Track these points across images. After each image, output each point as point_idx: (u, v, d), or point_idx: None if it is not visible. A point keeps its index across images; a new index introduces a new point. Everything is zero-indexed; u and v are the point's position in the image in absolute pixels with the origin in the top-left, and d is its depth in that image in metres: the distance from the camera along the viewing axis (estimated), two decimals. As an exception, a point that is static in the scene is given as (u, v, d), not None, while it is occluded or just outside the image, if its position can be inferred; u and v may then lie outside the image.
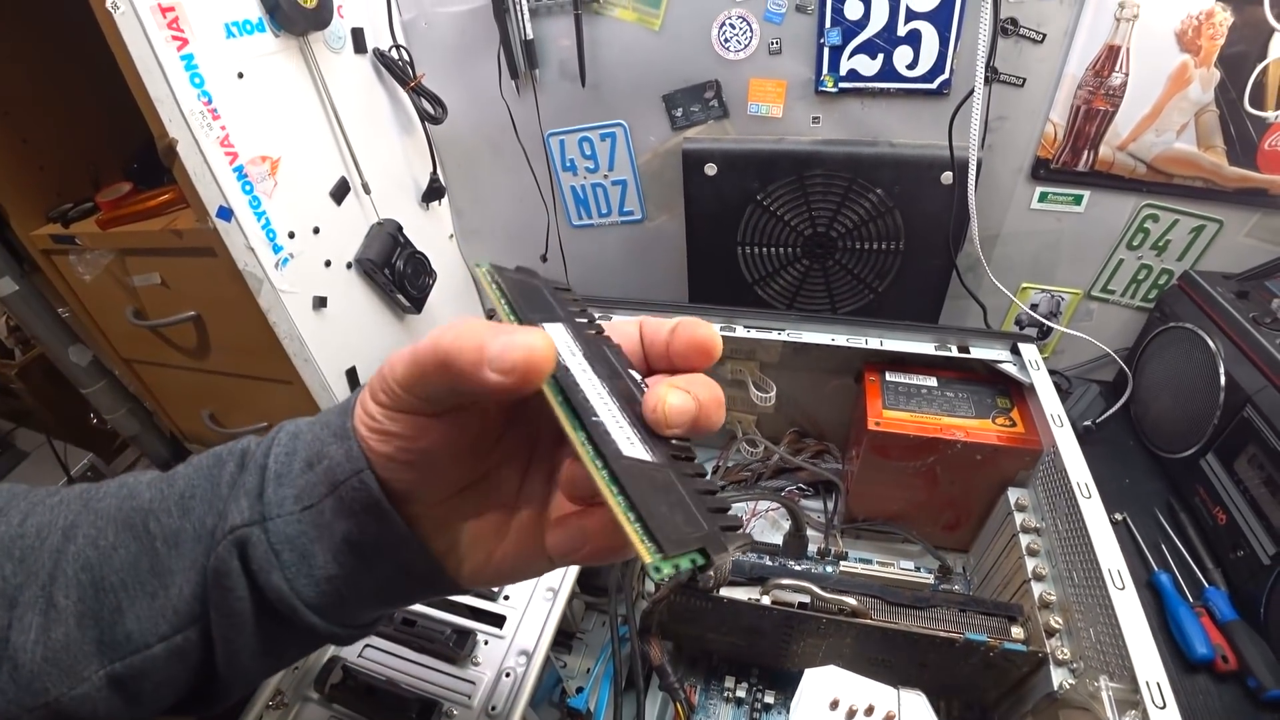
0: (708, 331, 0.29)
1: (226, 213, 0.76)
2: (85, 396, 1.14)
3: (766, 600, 0.61)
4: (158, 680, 0.29)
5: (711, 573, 0.59)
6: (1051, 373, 1.04)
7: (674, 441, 0.27)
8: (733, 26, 0.91)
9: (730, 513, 0.26)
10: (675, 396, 0.26)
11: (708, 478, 0.27)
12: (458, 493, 0.30)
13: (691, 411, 0.26)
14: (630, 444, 0.25)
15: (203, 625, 0.29)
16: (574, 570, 0.61)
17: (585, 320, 0.31)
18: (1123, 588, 0.52)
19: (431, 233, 1.13)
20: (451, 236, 1.20)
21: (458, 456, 0.29)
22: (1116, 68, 0.84)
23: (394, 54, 0.96)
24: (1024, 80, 0.88)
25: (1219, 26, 0.79)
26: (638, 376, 0.29)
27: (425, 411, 0.27)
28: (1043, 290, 1.05)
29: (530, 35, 0.95)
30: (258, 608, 0.28)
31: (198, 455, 0.31)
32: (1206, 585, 0.76)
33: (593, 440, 0.24)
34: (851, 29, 0.88)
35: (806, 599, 0.61)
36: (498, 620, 0.58)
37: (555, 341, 0.25)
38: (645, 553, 0.22)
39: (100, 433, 1.26)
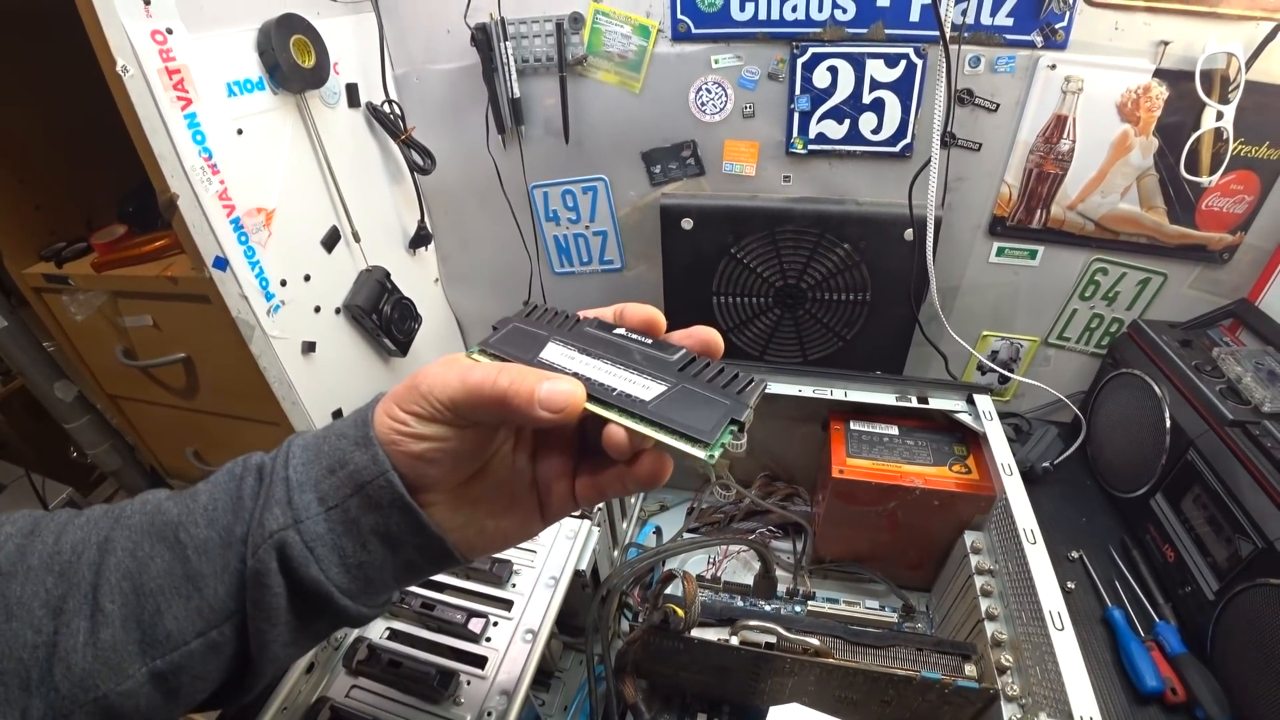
0: (651, 310, 0.37)
1: (222, 263, 0.79)
2: (67, 431, 1.15)
3: (735, 641, 0.64)
4: (194, 674, 0.32)
5: (684, 614, 0.63)
6: (1012, 415, 1.10)
7: (678, 357, 0.35)
8: (709, 91, 0.97)
9: (740, 376, 0.34)
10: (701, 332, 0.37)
11: (710, 369, 0.34)
12: (466, 480, 0.36)
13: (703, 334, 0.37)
14: (646, 389, 0.33)
15: (236, 621, 0.33)
16: (553, 612, 0.63)
17: (560, 318, 0.38)
18: (1062, 629, 0.56)
19: (418, 277, 1.17)
20: (437, 281, 1.24)
21: (470, 452, 0.35)
22: (1064, 135, 0.91)
23: (386, 108, 1.00)
24: (980, 145, 0.94)
25: (1155, 100, 0.86)
26: (621, 330, 0.37)
27: (457, 424, 0.33)
28: (1002, 338, 1.11)
29: (517, 94, 1.00)
30: (292, 601, 0.33)
31: (213, 474, 0.36)
32: (1157, 620, 0.80)
33: (623, 409, 0.32)
34: (820, 96, 0.94)
35: (773, 639, 0.64)
36: (479, 661, 0.60)
37: (556, 357, 0.35)
38: (698, 451, 0.30)
39: (79, 466, 1.26)
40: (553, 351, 0.36)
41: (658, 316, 0.37)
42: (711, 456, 0.30)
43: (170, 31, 0.70)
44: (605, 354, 0.35)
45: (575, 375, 0.34)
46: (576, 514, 0.72)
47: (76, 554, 0.32)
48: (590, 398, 0.33)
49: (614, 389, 0.33)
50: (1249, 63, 0.81)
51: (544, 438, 0.40)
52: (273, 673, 0.35)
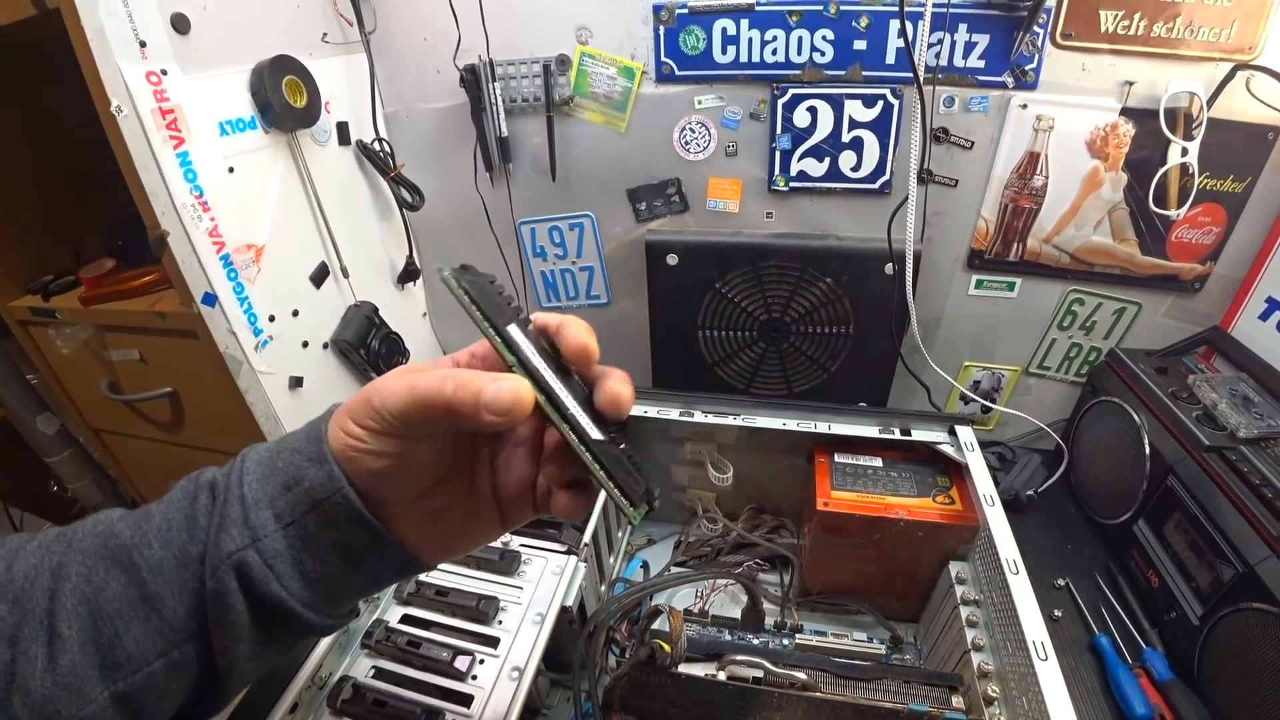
0: (586, 339, 0.35)
1: (211, 299, 0.79)
2: (49, 465, 1.13)
3: (722, 675, 0.64)
4: (159, 694, 0.32)
5: (670, 649, 0.62)
6: (996, 444, 1.11)
7: (609, 433, 0.35)
8: (692, 130, 1.00)
9: (643, 469, 0.35)
10: (626, 390, 0.35)
11: (627, 451, 0.35)
12: (425, 491, 0.36)
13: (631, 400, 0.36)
14: (592, 428, 0.34)
15: (198, 640, 0.33)
16: (539, 650, 0.63)
17: (515, 310, 0.37)
18: (1046, 659, 0.56)
19: (406, 312, 1.18)
20: (425, 315, 1.25)
21: (428, 464, 0.35)
22: (1037, 171, 0.94)
23: (376, 146, 1.02)
24: (956, 181, 0.97)
25: (1123, 136, 0.89)
26: (567, 363, 0.36)
27: (410, 436, 0.33)
28: (984, 368, 1.13)
29: (504, 133, 1.02)
30: (254, 617, 0.33)
31: (166, 494, 0.35)
32: (1144, 646, 0.80)
33: (576, 433, 0.33)
34: (800, 135, 0.97)
35: (760, 673, 0.64)
36: (465, 700, 0.60)
37: (524, 348, 0.34)
38: (631, 511, 0.34)
39: (59, 500, 1.24)
40: (518, 335, 0.35)
41: (591, 349, 0.35)
42: (636, 519, 0.34)
43: (165, 73, 0.71)
44: (558, 374, 0.35)
45: (539, 369, 0.34)
46: (558, 542, 0.72)
47: (30, 581, 0.32)
48: (555, 405, 0.33)
49: (568, 409, 0.34)
50: (1210, 101, 0.84)
51: (510, 445, 0.39)
52: (241, 688, 0.35)
